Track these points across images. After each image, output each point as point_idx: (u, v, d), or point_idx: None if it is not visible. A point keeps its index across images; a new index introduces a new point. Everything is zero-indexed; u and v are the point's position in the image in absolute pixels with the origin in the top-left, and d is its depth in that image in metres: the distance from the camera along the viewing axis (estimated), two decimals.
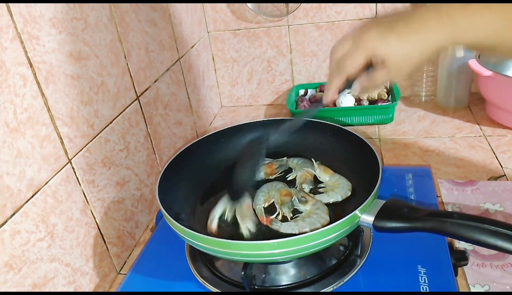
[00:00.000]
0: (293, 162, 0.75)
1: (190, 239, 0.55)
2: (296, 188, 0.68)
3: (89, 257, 0.71)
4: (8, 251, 0.55)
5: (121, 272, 0.79)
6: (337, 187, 0.67)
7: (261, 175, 0.71)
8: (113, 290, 0.75)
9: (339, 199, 0.65)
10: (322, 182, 0.70)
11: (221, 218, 0.65)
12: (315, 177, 0.71)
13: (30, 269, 0.59)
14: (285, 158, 0.72)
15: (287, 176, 0.72)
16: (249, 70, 1.32)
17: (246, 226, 0.62)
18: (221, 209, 0.66)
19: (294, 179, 0.71)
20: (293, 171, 0.73)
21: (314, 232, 0.51)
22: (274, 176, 0.72)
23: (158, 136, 0.95)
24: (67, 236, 0.66)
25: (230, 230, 0.63)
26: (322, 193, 0.67)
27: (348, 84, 0.58)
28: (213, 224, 0.65)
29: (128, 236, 0.82)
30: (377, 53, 0.53)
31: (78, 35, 0.69)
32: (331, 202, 0.65)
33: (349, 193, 0.66)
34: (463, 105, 1.15)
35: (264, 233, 0.61)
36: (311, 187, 0.69)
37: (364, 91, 0.58)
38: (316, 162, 0.72)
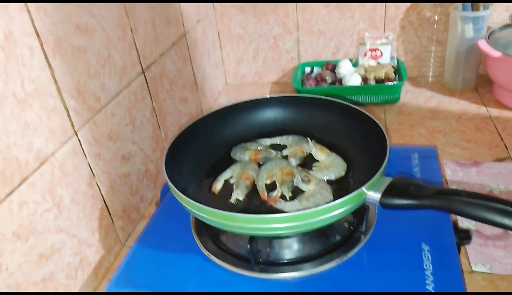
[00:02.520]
0: (288, 139, 0.74)
1: (197, 212, 0.55)
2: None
3: (95, 229, 0.72)
4: (16, 221, 0.56)
5: (126, 245, 0.80)
6: (332, 166, 0.67)
7: (246, 156, 0.71)
8: (118, 262, 0.76)
9: (333, 178, 0.65)
10: (318, 161, 0.70)
11: (227, 181, 0.68)
12: (310, 155, 0.71)
13: (37, 239, 0.59)
14: (274, 152, 0.71)
15: (282, 152, 0.72)
16: (255, 48, 1.31)
17: (236, 195, 0.63)
18: (230, 173, 0.68)
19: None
20: (287, 147, 0.73)
21: (320, 208, 0.51)
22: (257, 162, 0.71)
23: (164, 112, 0.95)
24: (74, 208, 0.67)
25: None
26: (316, 170, 0.67)
27: None
28: (218, 184, 0.67)
29: (133, 210, 0.83)
30: None
31: (85, 7, 0.68)
32: (325, 179, 0.64)
33: (343, 173, 0.66)
34: (471, 87, 1.14)
35: (269, 208, 0.61)
36: (298, 162, 0.69)
37: None
38: (311, 140, 0.71)
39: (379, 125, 0.63)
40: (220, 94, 1.33)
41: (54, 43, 0.62)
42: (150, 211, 0.87)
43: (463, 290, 0.53)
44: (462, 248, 0.69)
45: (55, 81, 0.62)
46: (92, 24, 0.70)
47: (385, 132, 0.61)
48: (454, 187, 0.82)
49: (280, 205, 0.60)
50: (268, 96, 0.77)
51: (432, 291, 0.52)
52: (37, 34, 0.59)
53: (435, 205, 0.50)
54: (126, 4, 0.79)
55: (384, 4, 1.16)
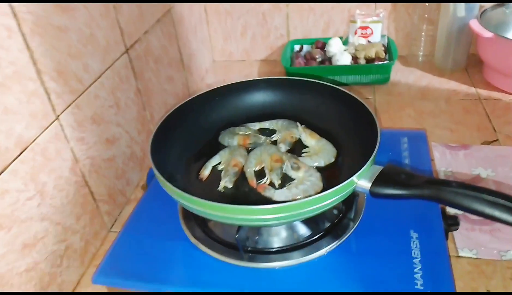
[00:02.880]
0: (277, 124, 0.73)
1: (184, 202, 0.54)
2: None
3: (79, 215, 0.70)
4: None
5: (112, 230, 0.79)
6: (321, 152, 0.66)
7: (235, 142, 0.70)
8: (104, 247, 0.75)
9: (322, 164, 0.64)
10: (308, 146, 0.68)
11: (215, 167, 0.66)
12: (299, 140, 0.69)
13: (20, 228, 0.58)
14: (263, 137, 0.69)
15: (271, 137, 0.71)
16: (243, 24, 1.28)
17: (224, 182, 0.62)
18: (218, 159, 0.67)
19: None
20: (277, 132, 0.72)
21: (309, 198, 0.50)
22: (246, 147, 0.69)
23: (149, 92, 0.92)
24: (57, 195, 0.65)
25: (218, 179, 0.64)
26: (306, 156, 0.66)
27: None
28: (206, 171, 0.65)
29: (119, 194, 0.82)
30: None
31: None
32: (314, 166, 0.64)
33: (333, 159, 0.65)
34: (461, 67, 1.13)
35: (258, 195, 0.60)
36: (287, 148, 0.68)
37: None
38: (301, 125, 0.70)
39: (370, 111, 0.62)
40: (207, 72, 1.30)
41: (33, 22, 0.59)
42: (136, 194, 0.86)
43: (450, 277, 0.54)
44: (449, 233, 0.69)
45: (35, 63, 0.60)
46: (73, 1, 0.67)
47: (376, 120, 0.60)
48: (441, 170, 0.82)
49: (269, 193, 0.59)
50: (256, 79, 0.75)
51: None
52: (14, 13, 0.56)
53: (425, 195, 0.50)
54: None
55: None
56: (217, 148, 0.70)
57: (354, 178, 0.53)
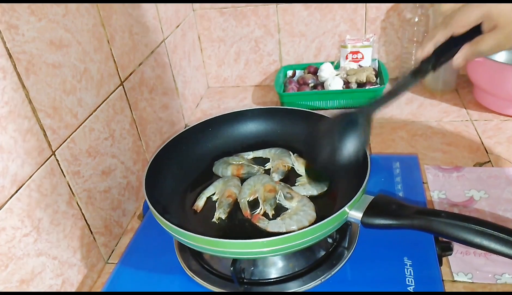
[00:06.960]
0: (271, 152, 0.74)
1: (178, 236, 0.55)
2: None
3: (76, 248, 0.70)
4: None
5: (109, 261, 0.79)
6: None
7: (228, 172, 0.71)
8: (101, 279, 0.75)
9: (315, 193, 0.65)
10: (301, 175, 0.70)
11: (209, 198, 0.68)
12: (292, 168, 0.70)
13: (16, 265, 0.58)
14: (257, 167, 0.71)
15: (265, 166, 0.72)
16: (236, 50, 1.30)
17: (218, 214, 0.63)
18: (212, 189, 0.68)
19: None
20: (270, 161, 0.73)
21: (302, 231, 0.51)
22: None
23: (144, 122, 0.93)
24: (54, 229, 0.65)
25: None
26: (299, 185, 0.67)
27: (447, 48, 0.54)
28: (200, 202, 0.67)
29: (116, 225, 0.82)
30: (492, 13, 0.48)
31: (58, 21, 0.66)
32: (307, 195, 0.65)
33: (326, 188, 0.66)
34: (451, 88, 1.15)
35: (252, 225, 0.61)
36: (281, 177, 0.69)
37: (465, 61, 0.55)
38: (293, 154, 0.71)
39: None
40: (202, 98, 1.31)
41: (28, 61, 0.60)
42: (132, 224, 0.86)
43: None
44: (444, 258, 0.69)
45: (30, 101, 0.61)
46: (67, 38, 0.68)
47: (366, 150, 0.61)
48: (435, 193, 0.83)
49: (263, 224, 0.60)
50: (249, 108, 0.76)
51: None
52: (9, 54, 0.57)
53: (415, 225, 0.51)
54: (101, 13, 0.78)
55: (365, 5, 1.16)
56: (212, 177, 0.71)
57: (346, 208, 0.54)
